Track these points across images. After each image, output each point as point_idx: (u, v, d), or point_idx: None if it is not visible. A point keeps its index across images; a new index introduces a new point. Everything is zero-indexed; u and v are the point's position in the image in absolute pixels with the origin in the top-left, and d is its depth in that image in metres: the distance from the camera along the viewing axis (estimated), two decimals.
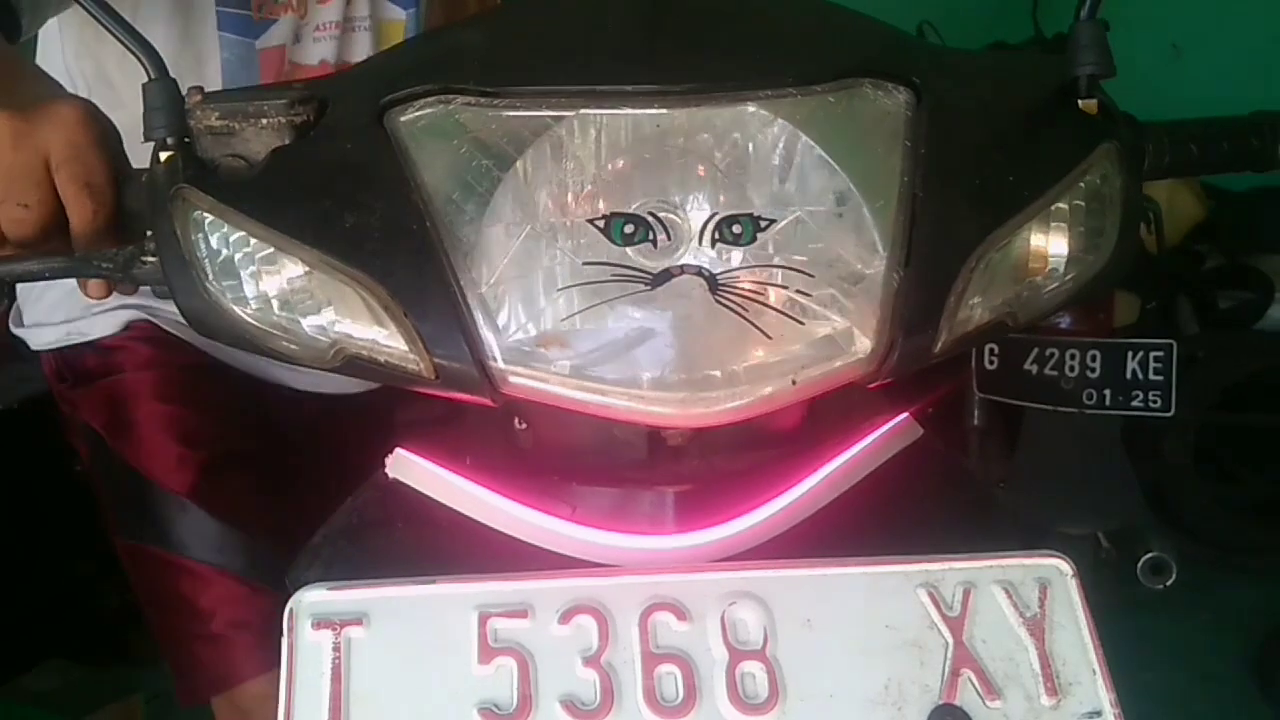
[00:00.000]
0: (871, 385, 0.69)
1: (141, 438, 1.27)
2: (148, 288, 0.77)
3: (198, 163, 0.70)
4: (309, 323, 0.68)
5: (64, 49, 1.27)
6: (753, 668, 0.65)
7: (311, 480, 1.25)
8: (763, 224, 0.65)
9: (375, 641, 0.66)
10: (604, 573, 0.69)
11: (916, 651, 0.67)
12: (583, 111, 0.65)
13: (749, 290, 0.65)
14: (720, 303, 0.65)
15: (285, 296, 0.68)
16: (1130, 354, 2.25)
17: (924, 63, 0.71)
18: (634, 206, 0.65)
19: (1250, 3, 3.40)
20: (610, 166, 0.66)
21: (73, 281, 0.79)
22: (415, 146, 0.67)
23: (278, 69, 1.28)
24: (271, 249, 0.67)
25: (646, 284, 0.65)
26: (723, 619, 0.67)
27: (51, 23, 1.19)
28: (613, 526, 0.72)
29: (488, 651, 0.66)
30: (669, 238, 0.65)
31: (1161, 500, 2.88)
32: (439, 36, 0.79)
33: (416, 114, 0.67)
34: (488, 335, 0.65)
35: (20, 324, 1.38)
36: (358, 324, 0.67)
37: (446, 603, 0.67)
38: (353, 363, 0.68)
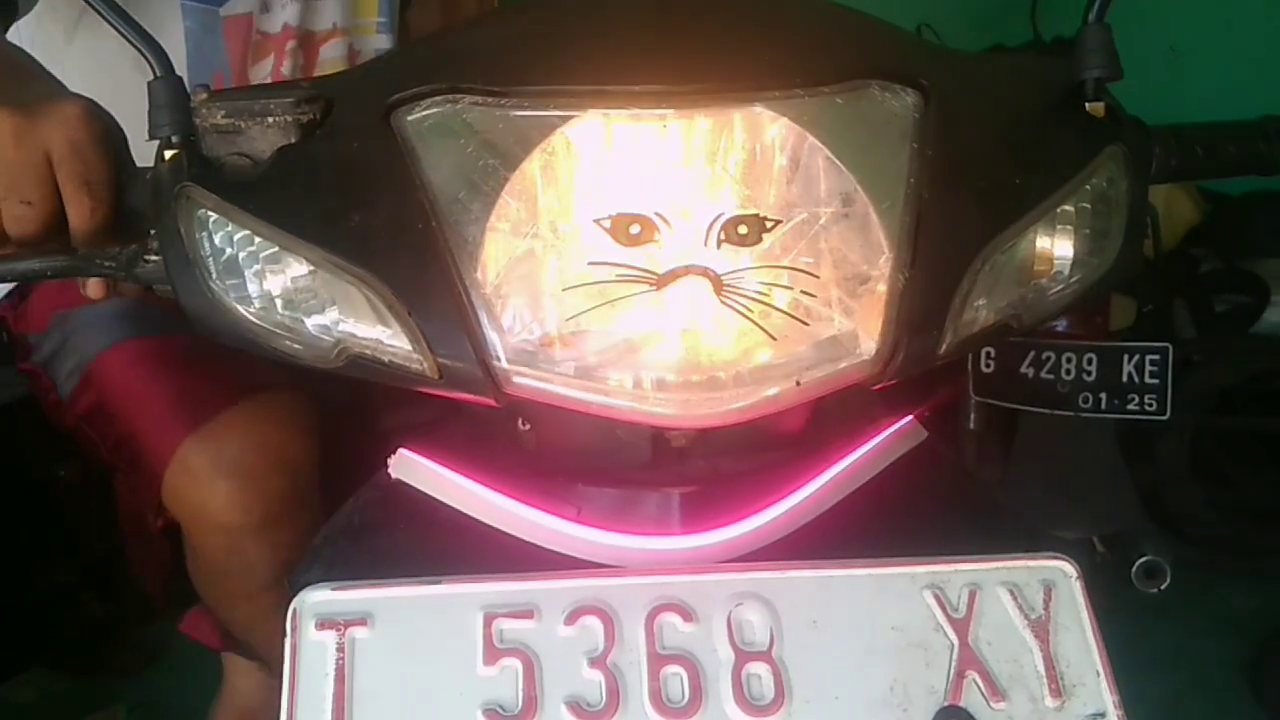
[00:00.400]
0: (876, 387, 0.69)
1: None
2: None
3: (203, 161, 0.70)
4: (313, 322, 0.68)
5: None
6: (759, 669, 0.65)
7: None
8: (768, 225, 0.65)
9: (379, 642, 0.66)
10: (609, 573, 0.69)
11: (922, 653, 0.67)
12: (590, 111, 0.65)
13: (754, 291, 0.65)
14: (725, 304, 0.65)
15: (289, 295, 0.68)
16: (1126, 357, 2.25)
17: (932, 65, 0.71)
18: (640, 207, 0.65)
19: (1250, 6, 3.41)
20: (616, 167, 0.66)
21: None
22: (421, 146, 0.66)
23: (244, 36, 1.27)
24: (276, 248, 0.67)
25: (651, 284, 0.65)
26: (729, 620, 0.67)
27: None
28: (618, 527, 0.72)
29: (493, 652, 0.65)
30: (674, 238, 0.65)
31: (1157, 504, 2.87)
32: (446, 36, 0.79)
33: (423, 113, 0.67)
34: (492, 335, 0.65)
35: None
36: (361, 323, 0.67)
37: (451, 603, 0.67)
38: (356, 362, 0.68)
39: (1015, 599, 0.68)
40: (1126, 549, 2.16)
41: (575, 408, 0.67)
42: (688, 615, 0.67)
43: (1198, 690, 2.53)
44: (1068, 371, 2.26)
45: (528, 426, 0.79)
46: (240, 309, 0.68)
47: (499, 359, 0.65)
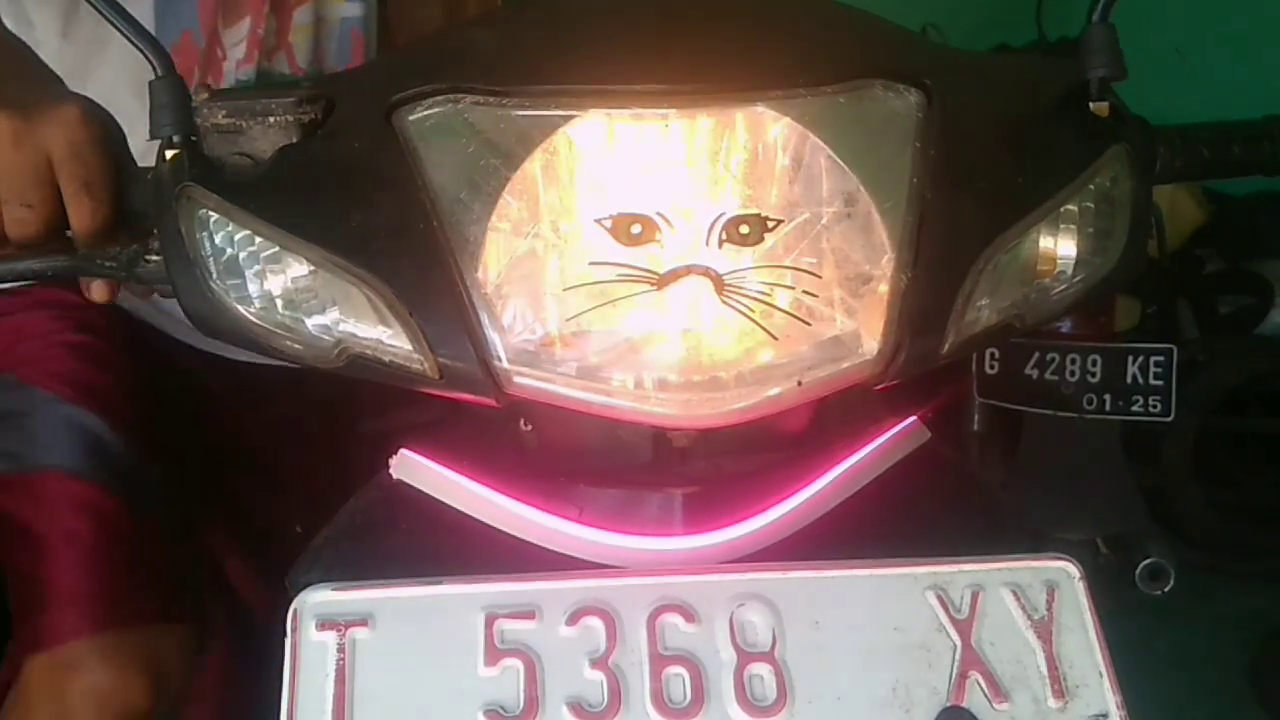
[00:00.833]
0: (878, 387, 0.69)
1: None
2: None
3: (204, 161, 0.70)
4: (313, 322, 0.68)
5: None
6: (761, 670, 0.65)
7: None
8: (770, 225, 0.65)
9: (380, 642, 0.66)
10: (611, 574, 0.69)
11: (924, 654, 0.67)
12: (591, 111, 0.65)
13: (755, 291, 0.65)
14: (726, 303, 0.65)
15: (290, 295, 0.68)
16: (1130, 359, 2.26)
17: (936, 64, 0.71)
18: (641, 207, 0.65)
19: (1253, 7, 3.41)
20: (618, 166, 0.65)
21: None
22: (423, 145, 0.66)
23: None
24: (276, 248, 0.67)
25: (652, 284, 0.65)
26: (731, 621, 0.66)
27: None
28: (620, 528, 0.72)
29: (494, 653, 0.65)
30: (676, 238, 0.65)
31: (1160, 506, 2.88)
32: (448, 36, 0.79)
33: (425, 113, 0.67)
34: (492, 335, 0.65)
35: None
36: (362, 323, 0.66)
37: (453, 604, 0.67)
38: (356, 362, 0.67)
39: (1018, 600, 0.68)
40: (1130, 551, 2.16)
41: (576, 408, 0.67)
42: (690, 616, 0.67)
43: (1200, 691, 2.53)
44: (1072, 373, 2.26)
45: (530, 427, 0.79)
46: (240, 309, 0.68)
47: (499, 359, 0.65)
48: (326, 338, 0.68)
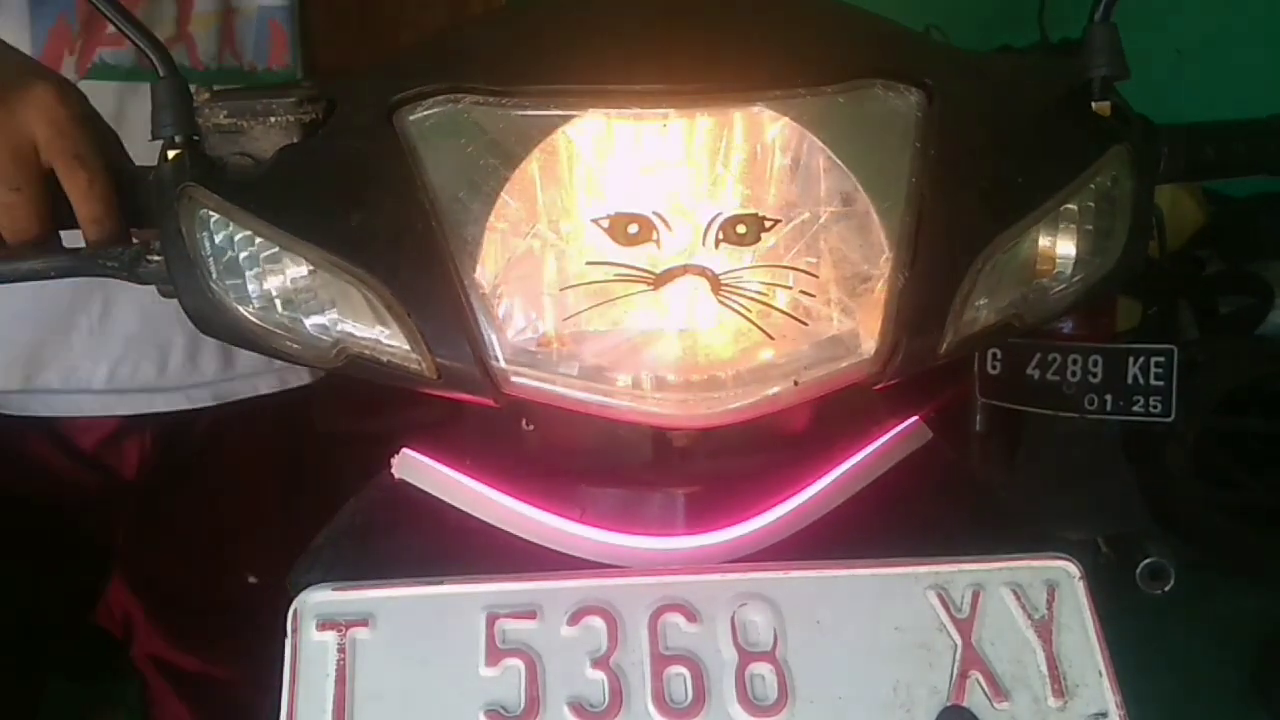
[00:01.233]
0: (877, 386, 0.68)
1: None
2: None
3: (205, 161, 0.70)
4: (311, 322, 0.68)
5: None
6: (762, 669, 0.65)
7: None
8: (768, 224, 0.65)
9: (381, 642, 0.66)
10: (613, 574, 0.69)
11: (925, 653, 0.67)
12: (591, 110, 0.65)
13: (753, 291, 0.65)
14: (723, 303, 0.65)
15: (289, 295, 0.68)
16: (1131, 359, 2.26)
17: (936, 63, 0.70)
18: (638, 206, 0.65)
19: (1254, 8, 3.41)
20: (616, 166, 0.65)
21: None
22: (423, 145, 0.66)
23: None
24: (276, 248, 0.67)
25: (649, 284, 0.65)
26: (732, 620, 0.66)
27: None
28: (621, 528, 0.72)
29: (495, 653, 0.65)
30: (673, 238, 0.65)
31: (1161, 506, 2.87)
32: (448, 36, 0.79)
33: (425, 113, 0.67)
34: (490, 335, 0.65)
35: None
36: (360, 323, 0.67)
37: (454, 603, 0.67)
38: (355, 362, 0.67)
39: (1019, 599, 0.68)
40: (1131, 550, 2.16)
41: (574, 408, 0.67)
42: (691, 615, 0.67)
43: (1200, 690, 2.53)
44: (1073, 373, 2.27)
45: (531, 427, 0.79)
46: (240, 309, 0.68)
47: (497, 359, 0.65)
48: (325, 338, 0.68)
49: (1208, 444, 3.00)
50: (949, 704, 0.65)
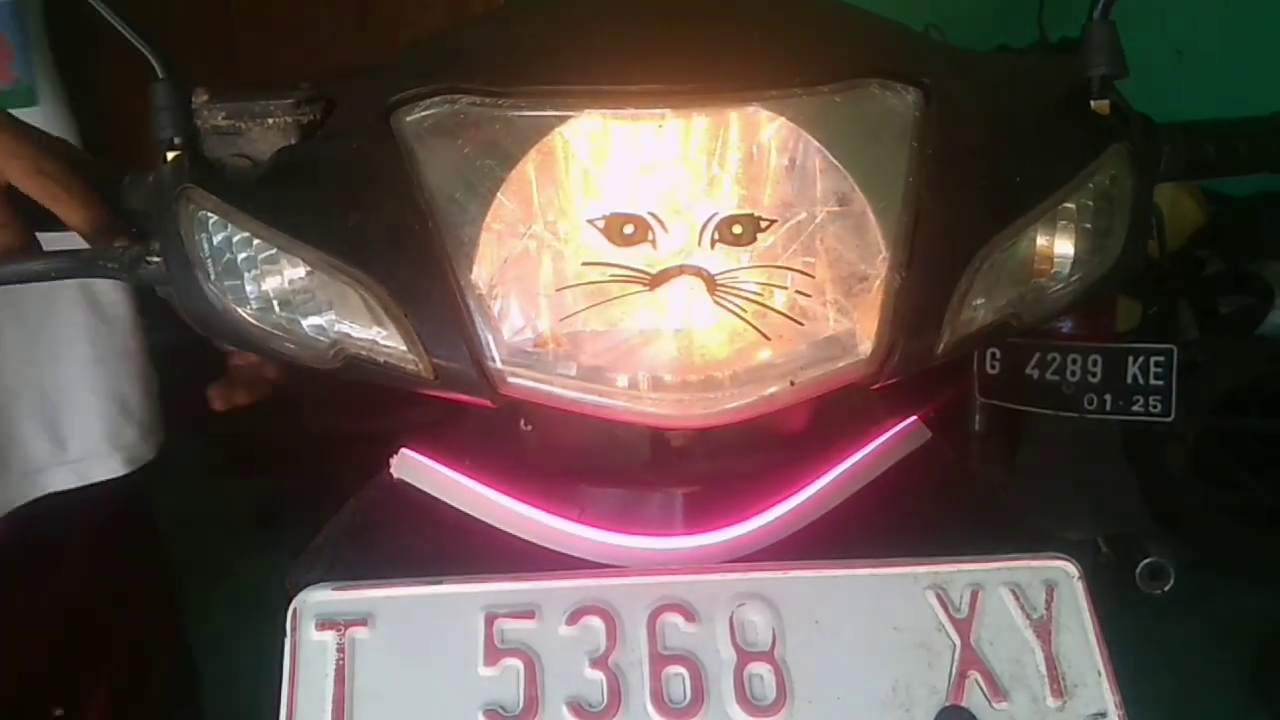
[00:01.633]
0: (874, 386, 0.68)
1: None
2: None
3: (204, 163, 0.70)
4: (309, 323, 0.68)
5: None
6: (761, 669, 0.65)
7: None
8: (763, 225, 0.65)
9: (380, 642, 0.66)
10: (612, 574, 0.69)
11: (924, 653, 0.67)
12: (587, 111, 0.65)
13: (749, 291, 0.65)
14: (719, 303, 0.65)
15: (286, 296, 0.68)
16: (1131, 359, 2.25)
17: (934, 63, 0.70)
18: (633, 207, 0.65)
19: (1254, 8, 3.41)
20: (612, 166, 0.66)
21: None
22: (420, 146, 0.66)
23: None
24: (274, 249, 0.67)
25: (645, 285, 0.65)
26: (731, 620, 0.66)
27: None
28: (620, 527, 0.72)
29: (494, 653, 0.65)
30: (668, 239, 0.65)
31: (1161, 506, 2.87)
32: (446, 36, 0.79)
33: (423, 114, 0.67)
34: (487, 336, 0.65)
35: None
36: (357, 324, 0.67)
37: (453, 603, 0.67)
38: (352, 363, 0.68)
39: (1017, 599, 0.68)
40: (1131, 550, 2.16)
41: (570, 408, 0.67)
42: (690, 615, 0.67)
43: (1199, 691, 2.52)
44: (1073, 373, 2.26)
45: (530, 427, 0.79)
46: (238, 310, 0.69)
47: (493, 359, 0.65)
48: (322, 339, 0.68)
49: (1208, 444, 2.99)
50: (948, 704, 0.65)
